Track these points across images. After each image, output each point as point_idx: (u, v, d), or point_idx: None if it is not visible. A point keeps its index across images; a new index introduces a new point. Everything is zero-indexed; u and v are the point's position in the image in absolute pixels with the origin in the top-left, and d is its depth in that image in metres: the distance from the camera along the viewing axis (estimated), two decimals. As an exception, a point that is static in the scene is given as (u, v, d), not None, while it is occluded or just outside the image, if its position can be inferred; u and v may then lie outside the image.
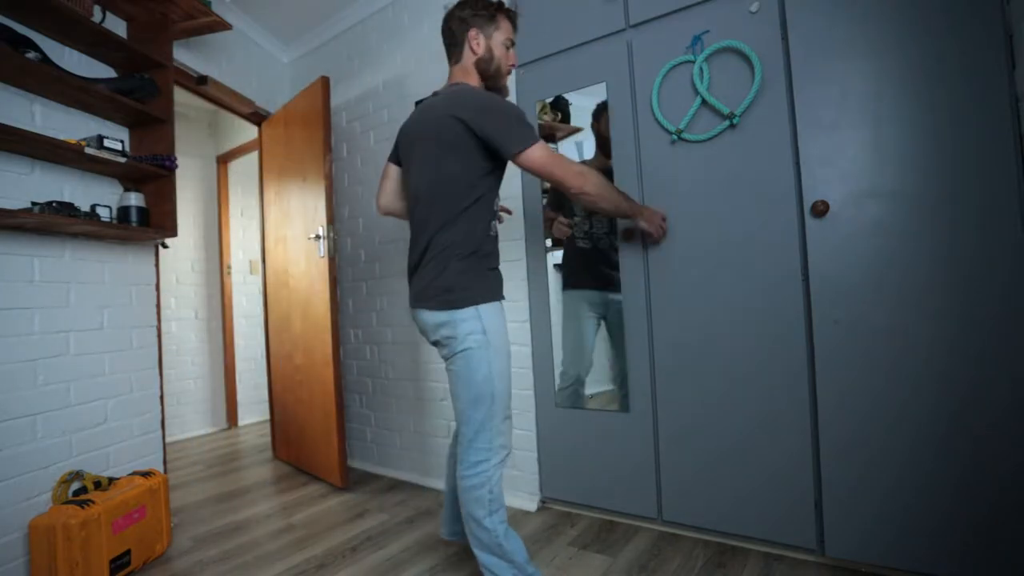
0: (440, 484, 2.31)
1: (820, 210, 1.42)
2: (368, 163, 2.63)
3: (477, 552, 1.28)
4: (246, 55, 2.72)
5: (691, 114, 1.64)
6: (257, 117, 2.82)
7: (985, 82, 1.25)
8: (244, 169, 3.85)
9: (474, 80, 1.35)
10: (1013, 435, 1.23)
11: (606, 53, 1.81)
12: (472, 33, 1.33)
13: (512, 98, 2.05)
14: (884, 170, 1.36)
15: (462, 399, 1.28)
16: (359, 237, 2.67)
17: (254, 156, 3.44)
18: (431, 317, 1.28)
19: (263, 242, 2.90)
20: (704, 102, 1.61)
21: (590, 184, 1.27)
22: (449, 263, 1.25)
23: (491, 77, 1.36)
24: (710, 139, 1.62)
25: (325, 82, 2.34)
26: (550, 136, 1.97)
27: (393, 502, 2.18)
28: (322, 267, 2.33)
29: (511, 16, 1.39)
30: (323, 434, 2.40)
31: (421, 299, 1.30)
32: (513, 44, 1.39)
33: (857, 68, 1.39)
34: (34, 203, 1.60)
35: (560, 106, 1.93)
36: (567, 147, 1.95)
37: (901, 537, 1.35)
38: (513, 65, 1.40)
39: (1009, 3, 1.22)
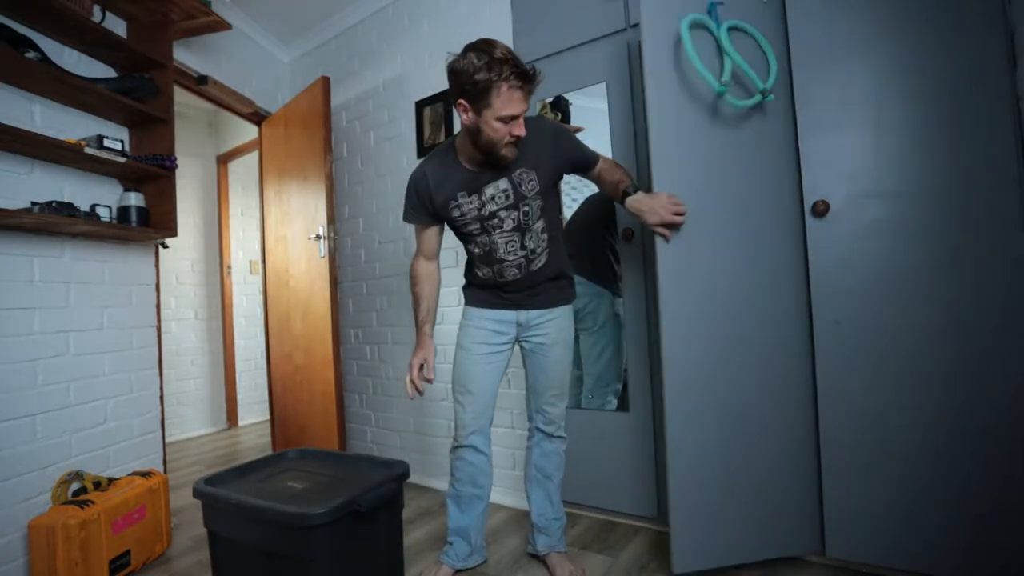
0: (440, 484, 2.31)
1: (820, 210, 1.42)
2: (368, 163, 2.63)
3: None
4: (246, 55, 2.72)
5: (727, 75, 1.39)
6: (257, 117, 2.82)
7: (986, 82, 1.25)
8: (244, 169, 3.85)
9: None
10: (1014, 435, 1.23)
11: (606, 53, 1.81)
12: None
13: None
14: (884, 170, 1.36)
15: None
16: (359, 237, 2.67)
17: (254, 156, 3.43)
18: None
19: (263, 242, 2.90)
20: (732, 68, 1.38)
21: None
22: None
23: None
24: (748, 108, 1.44)
25: (325, 82, 2.34)
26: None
27: (393, 502, 2.17)
28: (322, 267, 2.33)
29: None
30: (323, 434, 2.40)
31: None
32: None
33: (858, 69, 1.39)
34: (34, 203, 1.60)
35: (560, 106, 1.93)
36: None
37: (902, 537, 1.35)
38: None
39: (1010, 3, 1.22)
